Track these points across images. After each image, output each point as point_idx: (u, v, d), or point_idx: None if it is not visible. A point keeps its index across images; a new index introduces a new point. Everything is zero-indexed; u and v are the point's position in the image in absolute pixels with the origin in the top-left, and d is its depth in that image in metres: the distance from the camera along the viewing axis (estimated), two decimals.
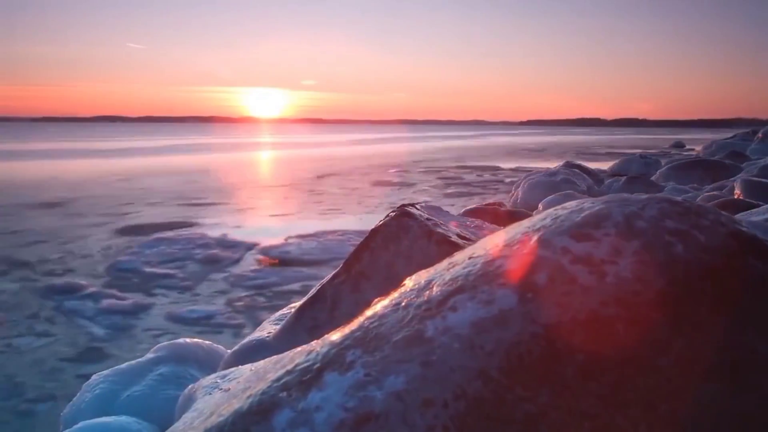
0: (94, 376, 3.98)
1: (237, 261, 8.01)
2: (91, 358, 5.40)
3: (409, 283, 1.26)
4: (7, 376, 5.11)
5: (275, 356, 1.90)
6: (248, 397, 1.03)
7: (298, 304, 3.03)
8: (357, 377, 0.97)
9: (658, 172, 15.69)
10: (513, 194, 13.11)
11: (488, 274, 1.08)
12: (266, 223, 11.77)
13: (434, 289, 1.12)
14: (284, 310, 2.93)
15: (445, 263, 1.26)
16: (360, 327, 1.09)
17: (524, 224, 1.29)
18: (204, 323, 6.19)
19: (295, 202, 14.79)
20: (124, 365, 4.04)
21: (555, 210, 1.30)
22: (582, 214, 1.17)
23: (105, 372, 4.03)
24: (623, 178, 13.23)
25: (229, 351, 4.38)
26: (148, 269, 7.65)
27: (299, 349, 1.76)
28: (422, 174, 22.33)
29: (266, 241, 8.90)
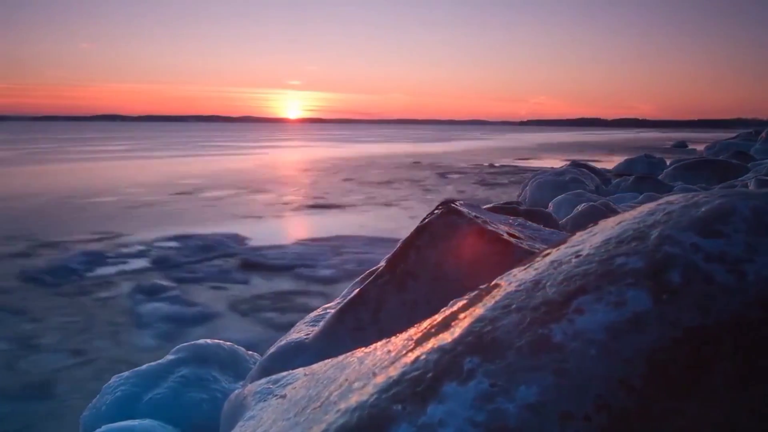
0: (113, 378, 3.88)
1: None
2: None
3: (506, 283, 1.17)
4: None
5: (330, 360, 1.80)
6: (354, 410, 0.93)
7: (332, 304, 2.94)
8: (481, 388, 0.87)
9: (664, 172, 15.63)
10: (521, 193, 13.04)
11: (611, 273, 0.99)
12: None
13: (547, 290, 1.02)
14: (318, 311, 2.83)
15: (545, 261, 1.16)
16: (469, 331, 1.00)
17: (626, 219, 1.20)
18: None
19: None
20: (144, 366, 3.93)
21: (659, 205, 1.21)
22: (702, 209, 1.07)
23: (125, 374, 3.92)
24: (631, 178, 13.17)
25: (249, 351, 4.29)
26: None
27: (360, 354, 1.66)
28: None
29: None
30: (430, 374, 0.93)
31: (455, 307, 1.34)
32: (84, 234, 10.50)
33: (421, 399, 0.89)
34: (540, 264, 1.16)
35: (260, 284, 6.80)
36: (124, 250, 8.94)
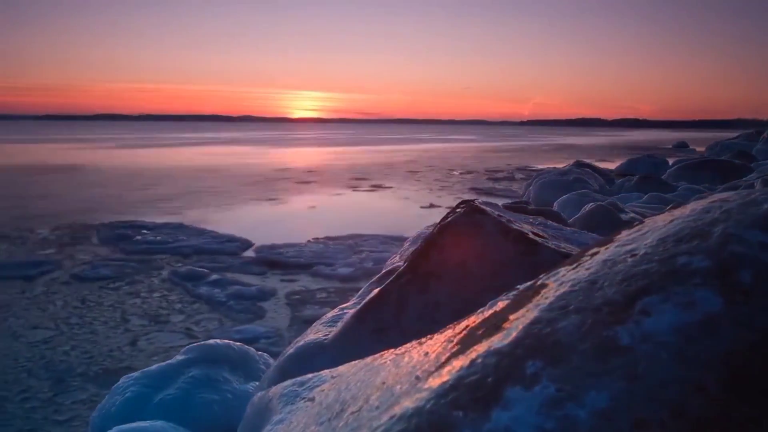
0: (122, 379, 3.83)
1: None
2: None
3: (556, 283, 1.12)
4: None
5: (357, 362, 1.76)
6: (410, 416, 0.89)
7: (349, 304, 2.90)
8: (548, 393, 0.83)
9: (667, 172, 15.61)
10: (525, 193, 13.01)
11: (675, 273, 0.94)
12: None
13: (606, 290, 0.98)
14: (335, 311, 2.79)
15: (596, 261, 1.12)
16: (527, 333, 0.95)
17: (679, 217, 1.15)
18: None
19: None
20: (153, 367, 3.88)
21: (712, 202, 1.17)
22: (764, 206, 1.03)
23: (134, 374, 3.87)
24: (635, 178, 13.15)
25: (259, 352, 4.24)
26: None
27: (391, 356, 1.62)
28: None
29: None
30: (490, 378, 0.89)
31: (497, 308, 1.30)
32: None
33: (483, 405, 0.85)
34: (591, 263, 1.12)
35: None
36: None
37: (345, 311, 2.67)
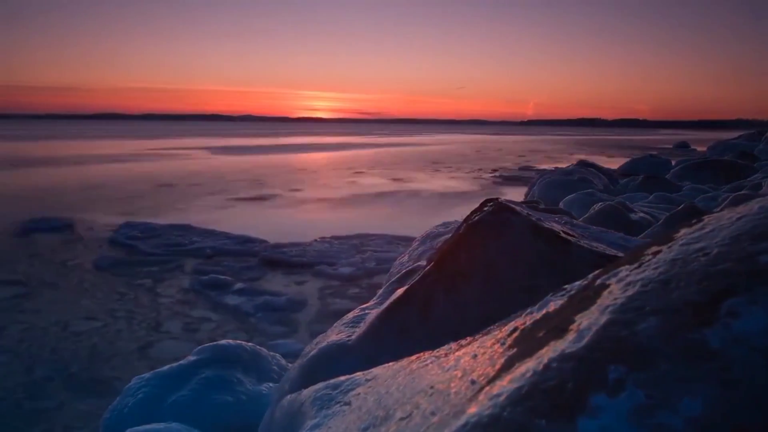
0: (134, 379, 3.76)
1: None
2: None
3: (620, 283, 1.07)
4: None
5: (392, 364, 1.71)
6: (486, 425, 0.84)
7: (370, 304, 2.84)
8: (636, 400, 0.78)
9: (671, 172, 15.56)
10: (528, 193, 12.95)
11: (760, 273, 0.90)
12: None
13: (683, 290, 0.93)
14: (356, 312, 2.73)
15: (662, 260, 1.07)
16: (602, 336, 0.90)
17: (746, 215, 1.11)
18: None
19: None
20: (165, 368, 3.82)
21: None
22: None
23: (146, 375, 3.81)
24: (639, 178, 13.10)
25: (270, 352, 4.18)
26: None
27: (430, 358, 1.56)
28: None
29: None
30: (569, 384, 0.84)
31: (550, 309, 1.25)
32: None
33: (566, 412, 0.80)
34: (657, 262, 1.07)
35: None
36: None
37: (366, 311, 2.62)
